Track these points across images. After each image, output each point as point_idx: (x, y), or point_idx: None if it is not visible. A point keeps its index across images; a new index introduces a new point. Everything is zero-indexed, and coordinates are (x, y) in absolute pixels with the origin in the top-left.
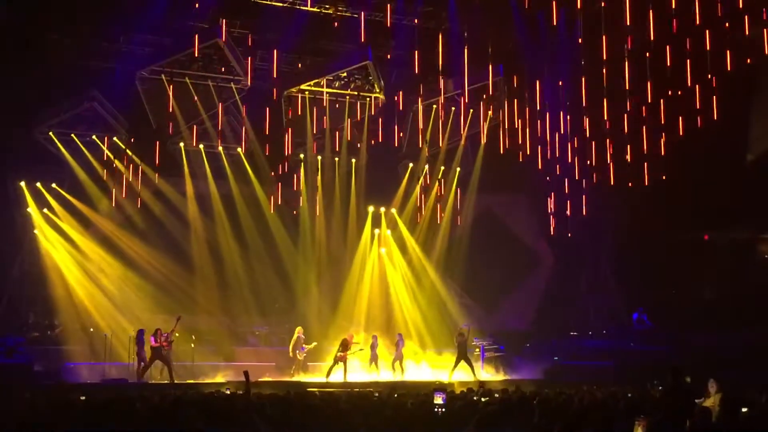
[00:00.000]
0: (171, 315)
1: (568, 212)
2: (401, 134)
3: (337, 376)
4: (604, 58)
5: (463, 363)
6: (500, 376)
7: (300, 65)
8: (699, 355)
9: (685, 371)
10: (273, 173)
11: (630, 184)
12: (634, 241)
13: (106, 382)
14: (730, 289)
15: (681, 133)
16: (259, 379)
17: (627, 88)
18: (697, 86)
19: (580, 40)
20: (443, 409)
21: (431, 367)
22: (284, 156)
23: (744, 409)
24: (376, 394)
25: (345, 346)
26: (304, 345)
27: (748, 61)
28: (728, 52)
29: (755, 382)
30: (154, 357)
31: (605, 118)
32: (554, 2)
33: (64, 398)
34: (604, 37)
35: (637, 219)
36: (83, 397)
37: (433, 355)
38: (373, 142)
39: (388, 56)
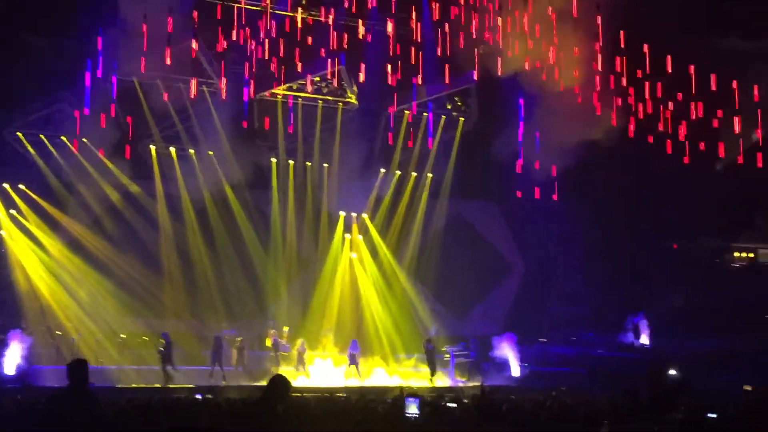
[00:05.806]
0: (139, 318)
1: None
2: (373, 139)
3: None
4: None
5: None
6: (470, 382)
7: (273, 69)
8: (669, 362)
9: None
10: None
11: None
12: (604, 249)
13: None
14: (698, 297)
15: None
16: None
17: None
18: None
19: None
20: (417, 415)
21: (400, 372)
22: (255, 159)
23: None
24: (343, 397)
25: (275, 347)
26: (285, 343)
27: None
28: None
29: (723, 389)
30: None
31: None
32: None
33: (29, 401)
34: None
35: (607, 227)
36: None
37: (403, 360)
38: (345, 146)
39: (361, 61)
